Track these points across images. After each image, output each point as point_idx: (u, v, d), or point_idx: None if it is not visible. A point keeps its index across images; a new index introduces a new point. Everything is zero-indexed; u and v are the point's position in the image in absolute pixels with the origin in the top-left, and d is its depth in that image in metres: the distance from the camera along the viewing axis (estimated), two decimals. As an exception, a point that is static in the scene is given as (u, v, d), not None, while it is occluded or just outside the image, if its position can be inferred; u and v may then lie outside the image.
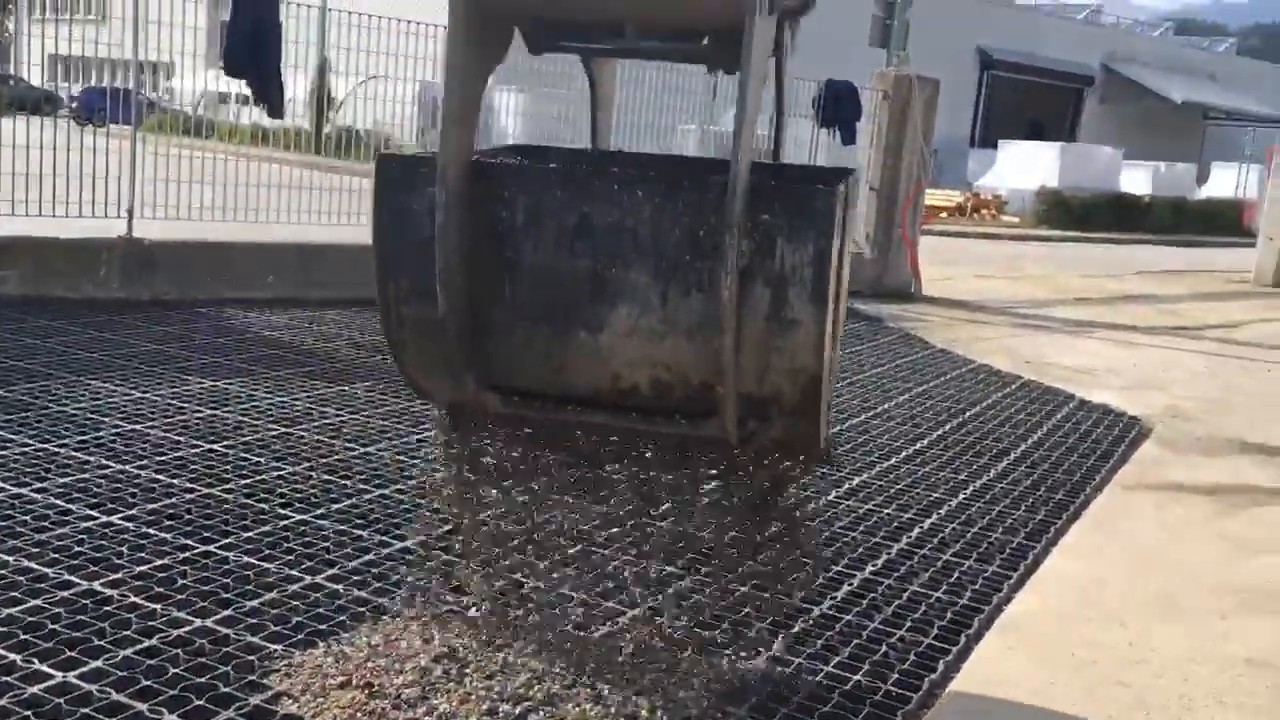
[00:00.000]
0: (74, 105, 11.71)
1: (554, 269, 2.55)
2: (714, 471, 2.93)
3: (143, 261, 7.87)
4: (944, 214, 25.05)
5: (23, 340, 6.42)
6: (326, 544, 3.84)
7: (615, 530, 3.37)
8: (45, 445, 4.61)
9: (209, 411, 5.31)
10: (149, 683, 2.85)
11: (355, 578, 3.59)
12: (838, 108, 11.69)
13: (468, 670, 3.05)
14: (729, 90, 10.97)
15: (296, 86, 9.68)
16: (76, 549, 3.61)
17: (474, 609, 3.35)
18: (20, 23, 16.44)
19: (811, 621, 3.59)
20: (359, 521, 4.09)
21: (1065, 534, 4.78)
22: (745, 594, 3.57)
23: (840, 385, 6.95)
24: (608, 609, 3.46)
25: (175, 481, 4.31)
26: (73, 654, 2.96)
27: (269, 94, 8.00)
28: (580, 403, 2.67)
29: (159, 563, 3.56)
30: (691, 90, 10.97)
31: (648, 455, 2.90)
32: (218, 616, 3.23)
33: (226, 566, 3.57)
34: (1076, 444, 6.25)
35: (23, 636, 3.02)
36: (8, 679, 2.81)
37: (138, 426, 4.97)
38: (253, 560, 3.64)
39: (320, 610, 3.34)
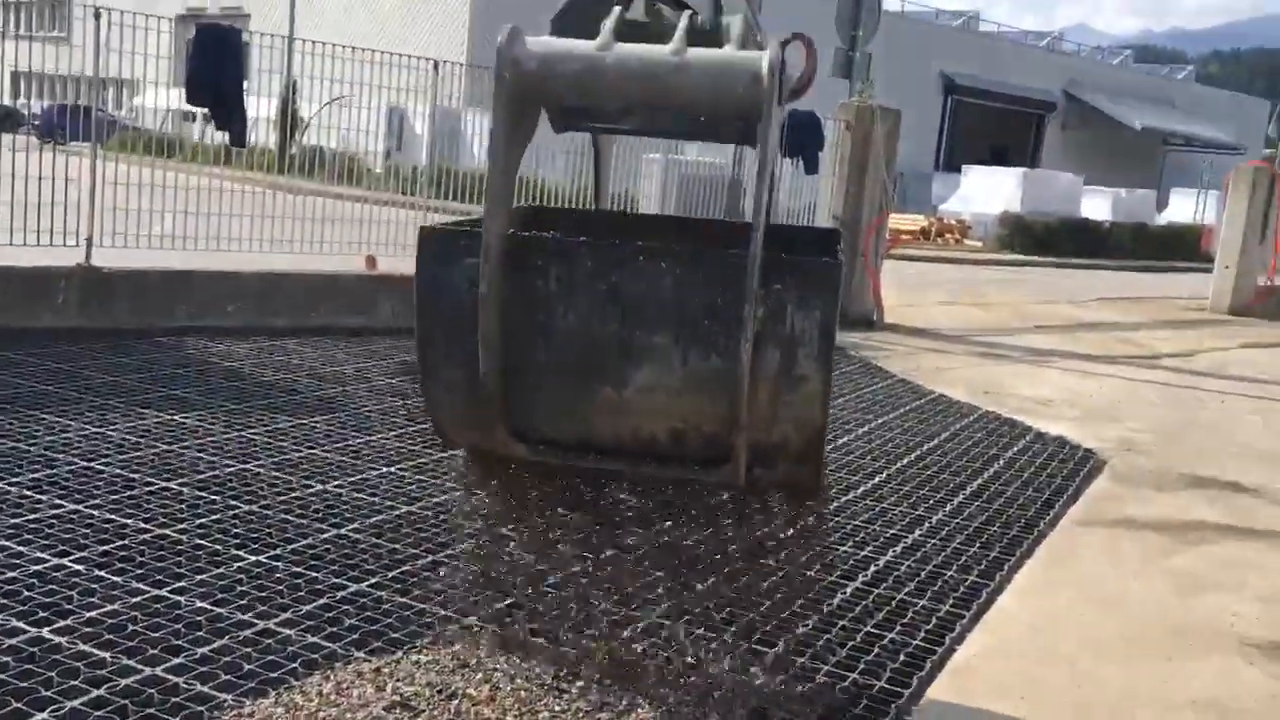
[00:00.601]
0: (36, 123, 11.63)
1: (584, 332, 2.82)
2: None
3: (101, 290, 7.82)
4: (908, 238, 25.29)
5: (-23, 372, 6.36)
6: (281, 587, 3.83)
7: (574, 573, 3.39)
8: (-3, 483, 4.56)
9: (165, 447, 5.28)
10: (96, 735, 2.83)
11: (309, 622, 3.58)
12: (801, 137, 11.79)
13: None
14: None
15: (262, 107, 9.67)
16: (26, 594, 3.58)
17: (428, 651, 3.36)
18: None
19: (767, 663, 3.61)
20: (314, 563, 4.07)
21: (1019, 571, 4.83)
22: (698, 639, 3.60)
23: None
24: (563, 653, 3.47)
25: (129, 522, 4.28)
26: (19, 705, 2.94)
27: (231, 123, 7.99)
28: (601, 451, 2.93)
29: (110, 608, 3.54)
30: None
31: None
32: (168, 665, 3.21)
33: (178, 612, 3.55)
34: (1032, 478, 6.33)
35: (-32, 687, 3.00)
36: (-48, 733, 2.79)
37: (93, 464, 4.93)
38: (205, 605, 3.62)
39: (273, 657, 3.32)
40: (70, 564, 3.85)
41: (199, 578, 3.83)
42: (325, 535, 4.36)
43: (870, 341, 10.95)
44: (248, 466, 5.11)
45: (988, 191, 30.66)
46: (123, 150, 9.94)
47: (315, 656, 3.35)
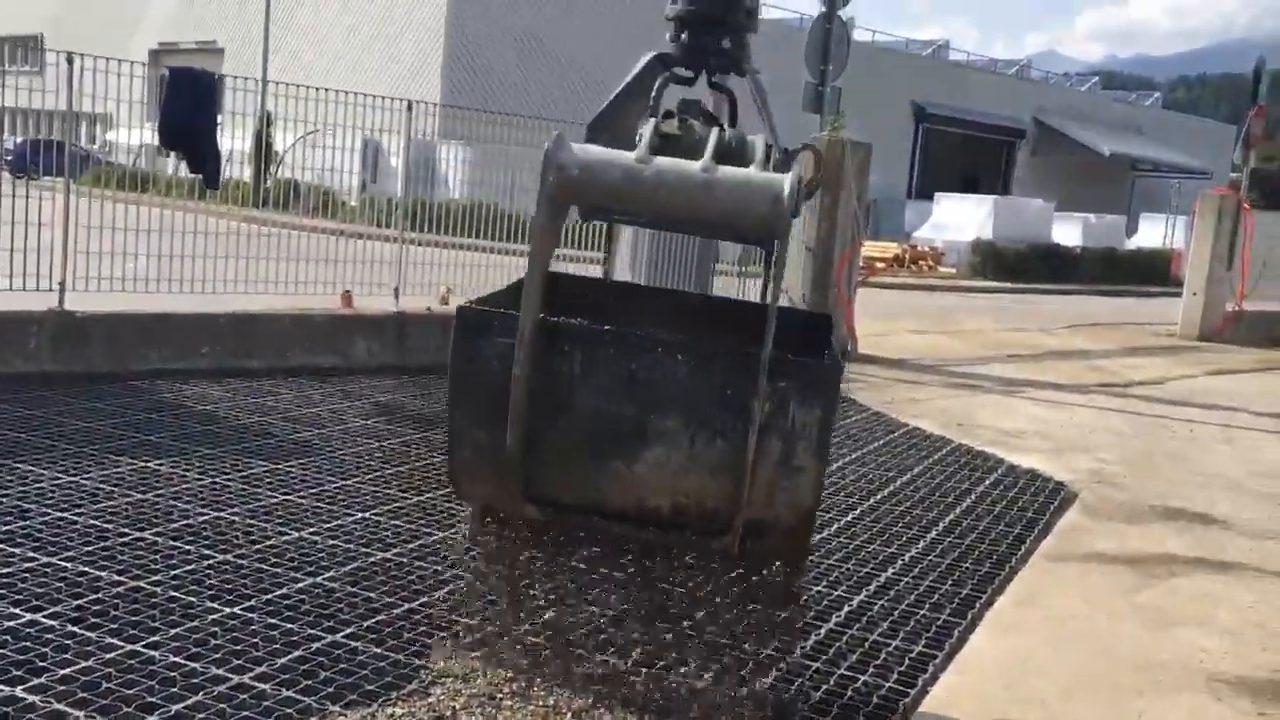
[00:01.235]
0: (9, 159, 11.58)
1: (602, 411, 3.11)
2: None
3: (74, 334, 7.79)
4: (882, 266, 25.48)
5: (-52, 419, 6.33)
6: (255, 639, 3.83)
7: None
8: (-31, 536, 4.54)
9: (139, 495, 5.27)
10: (70, 798, 2.83)
11: (284, 676, 3.58)
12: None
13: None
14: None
15: (236, 140, 9.67)
16: (0, 651, 3.57)
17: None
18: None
19: (744, 710, 3.63)
20: (289, 613, 4.08)
21: (991, 608, 4.89)
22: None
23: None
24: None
25: (103, 574, 4.27)
26: (-8, 768, 2.93)
27: (204, 164, 8.01)
28: (607, 516, 3.23)
29: (84, 664, 3.53)
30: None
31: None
32: (142, 723, 3.21)
33: (152, 668, 3.54)
34: (1004, 512, 6.39)
35: (-60, 751, 2.99)
36: (-77, 798, 2.78)
37: (66, 514, 4.92)
38: (179, 660, 3.61)
39: (247, 713, 3.32)
40: (44, 619, 3.83)
41: (173, 631, 3.82)
42: (300, 584, 4.36)
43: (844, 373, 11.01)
44: (222, 514, 5.11)
45: (960, 218, 30.95)
46: (96, 185, 9.95)
47: (290, 711, 3.35)
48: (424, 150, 12.76)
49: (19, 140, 13.20)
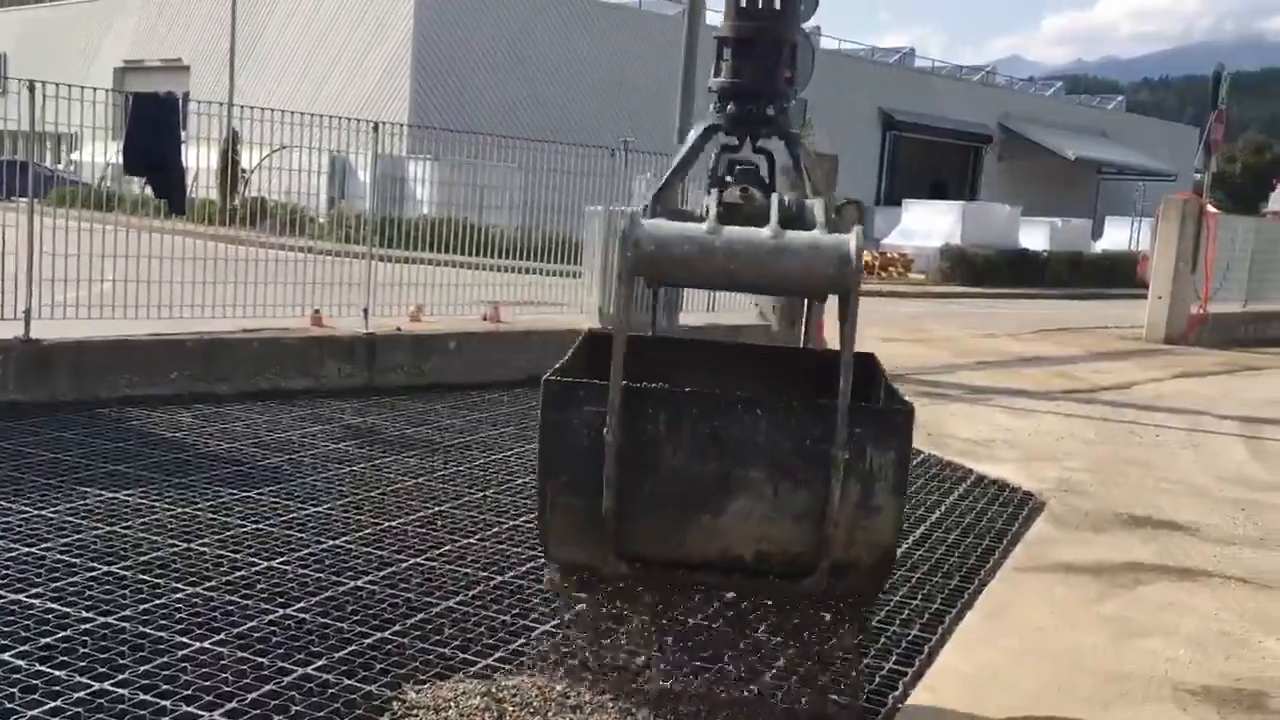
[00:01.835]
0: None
1: (686, 469, 3.28)
2: None
3: (40, 363, 7.74)
4: (852, 274, 25.57)
5: (-87, 452, 6.27)
6: (226, 674, 3.82)
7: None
8: (-66, 575, 4.51)
9: (107, 528, 5.24)
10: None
11: (254, 711, 3.57)
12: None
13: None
14: (631, 170, 11.22)
15: (202, 158, 9.63)
16: (-34, 694, 3.55)
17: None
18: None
19: (711, 735, 3.66)
20: (259, 646, 4.07)
21: (960, 622, 4.93)
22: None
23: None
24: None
25: (70, 611, 4.25)
26: (-41, 816, 2.91)
27: (170, 190, 7.98)
28: (692, 567, 3.41)
29: (51, 705, 3.51)
30: (597, 173, 11.19)
31: None
32: (111, 764, 3.20)
33: (121, 707, 3.53)
34: (973, 524, 6.45)
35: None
36: None
37: (33, 549, 4.89)
38: (148, 698, 3.60)
39: (218, 751, 3.32)
40: (11, 659, 3.81)
41: (142, 668, 3.81)
42: (271, 616, 4.35)
43: (815, 385, 11.06)
44: (191, 545, 5.09)
45: (928, 225, 31.16)
46: (60, 205, 9.87)
47: (261, 748, 3.35)
48: (393, 166, 12.73)
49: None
